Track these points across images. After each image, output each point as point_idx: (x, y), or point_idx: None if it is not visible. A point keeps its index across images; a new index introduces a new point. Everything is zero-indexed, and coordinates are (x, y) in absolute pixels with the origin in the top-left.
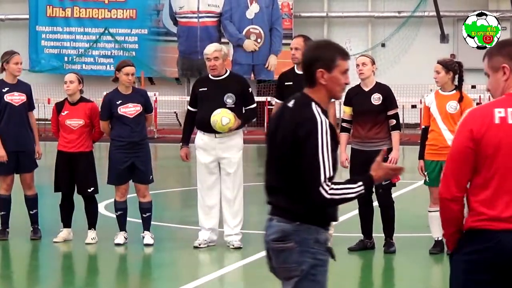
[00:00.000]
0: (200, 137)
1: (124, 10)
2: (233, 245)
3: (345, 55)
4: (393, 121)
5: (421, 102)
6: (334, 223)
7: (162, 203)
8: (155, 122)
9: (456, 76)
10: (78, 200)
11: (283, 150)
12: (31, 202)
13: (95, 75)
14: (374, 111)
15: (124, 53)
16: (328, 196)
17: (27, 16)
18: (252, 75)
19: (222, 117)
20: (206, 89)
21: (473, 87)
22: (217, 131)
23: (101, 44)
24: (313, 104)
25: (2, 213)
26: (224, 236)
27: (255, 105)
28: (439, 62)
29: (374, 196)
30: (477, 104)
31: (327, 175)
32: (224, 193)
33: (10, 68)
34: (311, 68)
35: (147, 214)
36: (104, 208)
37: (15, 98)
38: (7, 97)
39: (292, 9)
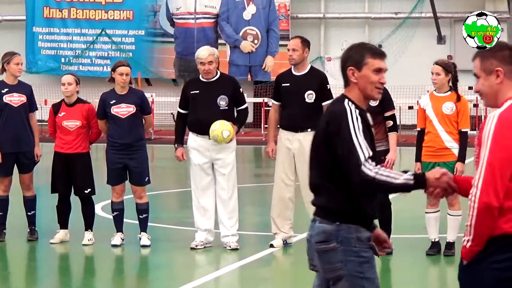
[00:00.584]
0: (194, 139)
1: (121, 11)
2: (229, 246)
3: (376, 53)
4: (390, 122)
5: (418, 104)
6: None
7: (158, 204)
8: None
9: (450, 77)
10: (75, 201)
11: (319, 148)
12: (30, 203)
13: (92, 76)
14: (371, 112)
15: (121, 54)
16: (372, 174)
17: (24, 17)
18: (249, 76)
19: (222, 130)
20: (198, 91)
21: (470, 88)
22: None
23: (98, 45)
24: (346, 100)
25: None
26: (221, 237)
27: (246, 105)
28: (439, 64)
29: None
30: (474, 106)
31: (367, 155)
32: (218, 194)
33: (10, 68)
34: (344, 67)
35: (144, 215)
36: (101, 209)
37: (14, 99)
38: (6, 98)
39: (289, 10)
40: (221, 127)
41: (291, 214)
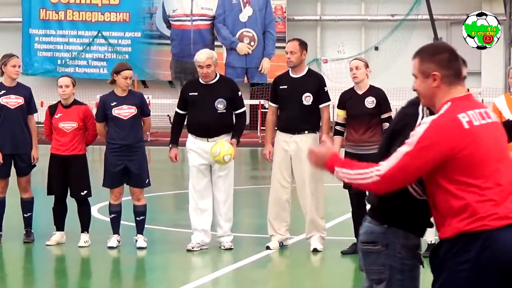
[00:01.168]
0: (192, 141)
1: (118, 13)
2: (224, 246)
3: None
4: (387, 125)
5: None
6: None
7: (155, 206)
8: None
9: None
10: (71, 203)
11: (383, 145)
12: (27, 205)
13: (88, 78)
14: (367, 115)
15: (117, 56)
16: None
17: (20, 19)
18: (246, 78)
19: (223, 156)
20: (196, 93)
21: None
22: (210, 135)
23: (95, 47)
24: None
25: None
26: (216, 238)
27: (244, 108)
28: None
29: None
30: None
31: None
32: (215, 195)
33: (7, 70)
34: None
35: (141, 217)
36: (97, 211)
37: (11, 101)
38: (3, 100)
39: (285, 12)
40: (222, 153)
41: (288, 216)
